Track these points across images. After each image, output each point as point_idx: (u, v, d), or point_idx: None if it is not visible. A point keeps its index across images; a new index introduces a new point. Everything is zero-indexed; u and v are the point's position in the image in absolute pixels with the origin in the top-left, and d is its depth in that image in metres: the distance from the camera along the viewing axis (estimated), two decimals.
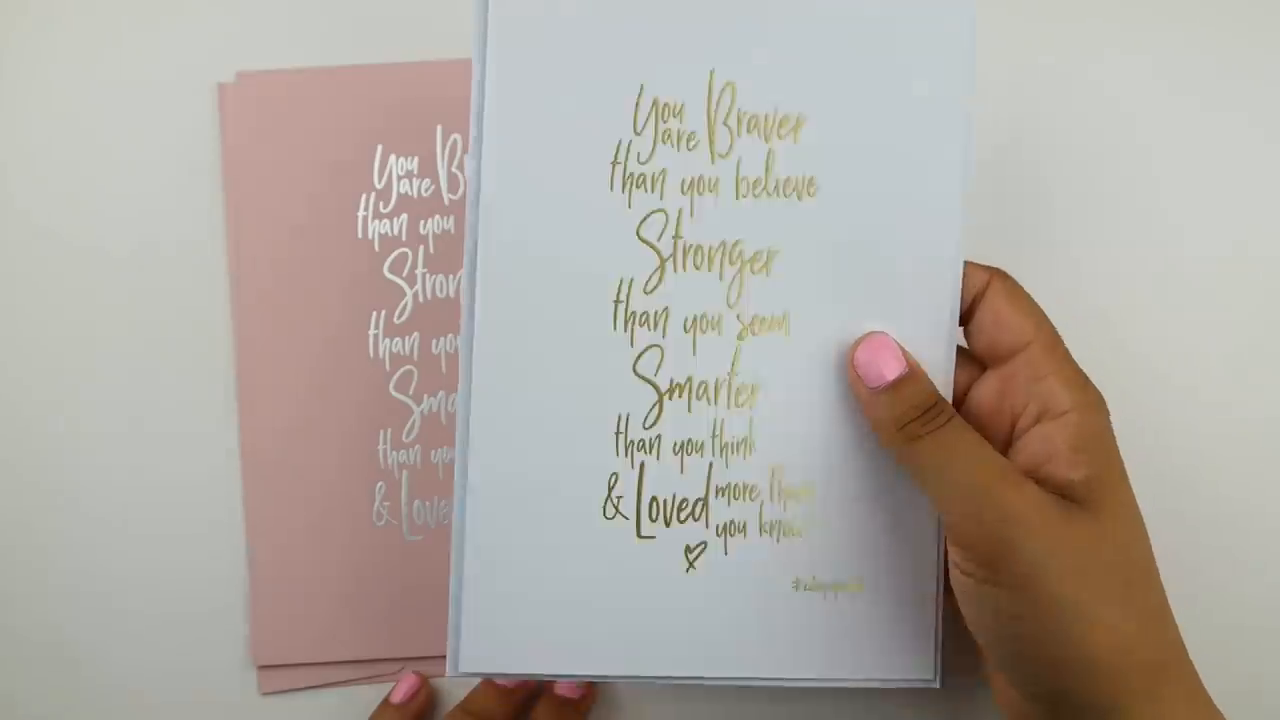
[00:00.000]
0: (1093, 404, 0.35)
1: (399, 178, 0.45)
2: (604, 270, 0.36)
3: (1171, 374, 0.45)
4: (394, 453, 0.44)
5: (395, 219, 0.45)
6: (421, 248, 0.45)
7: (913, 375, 0.35)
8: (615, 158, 0.36)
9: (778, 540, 0.37)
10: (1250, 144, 0.46)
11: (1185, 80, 0.46)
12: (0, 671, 0.44)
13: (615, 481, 0.36)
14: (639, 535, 0.37)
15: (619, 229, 0.36)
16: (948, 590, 0.37)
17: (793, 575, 0.37)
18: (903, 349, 0.35)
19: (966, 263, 0.36)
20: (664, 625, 0.37)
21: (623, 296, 0.36)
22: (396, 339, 0.44)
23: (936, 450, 0.34)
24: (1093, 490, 0.34)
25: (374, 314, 0.44)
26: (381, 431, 0.44)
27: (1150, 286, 0.45)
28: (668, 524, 0.37)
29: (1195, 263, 0.46)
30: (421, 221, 0.45)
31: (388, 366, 0.44)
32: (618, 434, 0.36)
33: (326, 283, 0.44)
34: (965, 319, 0.37)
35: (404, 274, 0.45)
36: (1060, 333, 0.36)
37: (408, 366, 0.44)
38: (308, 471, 0.44)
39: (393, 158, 0.45)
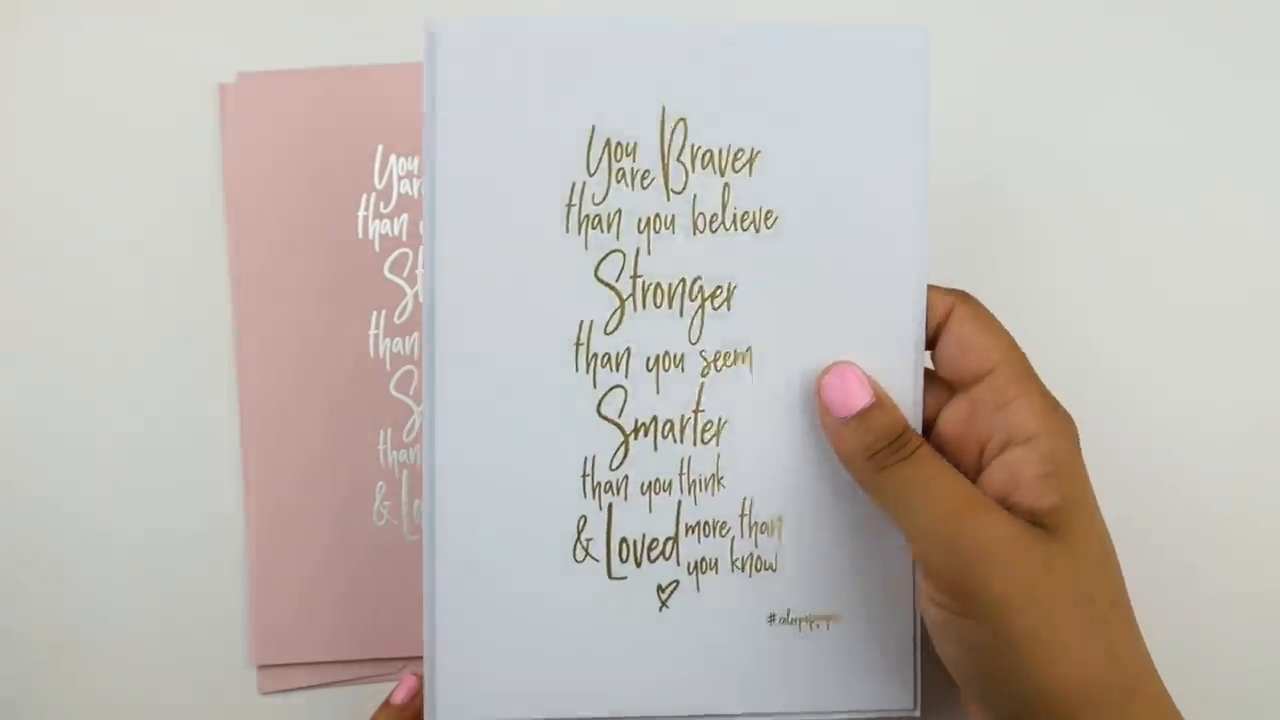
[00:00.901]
0: (1061, 428, 0.34)
1: (399, 178, 0.45)
2: (563, 313, 0.36)
3: (1140, 393, 0.45)
4: (394, 452, 0.44)
5: (395, 219, 0.45)
6: (422, 248, 0.45)
7: (880, 405, 0.35)
8: (569, 200, 0.35)
9: (750, 575, 0.37)
10: (1217, 167, 0.46)
11: (1151, 106, 0.47)
12: (0, 672, 0.44)
13: (584, 524, 0.36)
14: (610, 576, 0.36)
15: (576, 271, 0.36)
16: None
17: (767, 609, 0.37)
18: (869, 378, 0.35)
19: (930, 287, 0.36)
20: (640, 664, 0.37)
21: (583, 339, 0.36)
22: (397, 339, 0.44)
23: (905, 480, 0.34)
24: (1061, 517, 0.33)
25: (374, 314, 0.44)
26: (381, 431, 0.44)
27: (1117, 305, 0.46)
28: (639, 564, 0.36)
29: (1163, 282, 0.46)
30: (422, 221, 0.45)
31: (388, 366, 0.44)
32: (584, 476, 0.36)
33: (327, 283, 0.44)
34: (931, 343, 0.37)
35: (404, 274, 0.45)
36: (1027, 353, 0.36)
37: (408, 366, 0.44)
38: (308, 471, 0.44)
39: (393, 158, 0.45)
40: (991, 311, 0.36)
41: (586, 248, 0.36)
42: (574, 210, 0.35)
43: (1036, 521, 0.33)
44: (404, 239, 0.45)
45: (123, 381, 0.44)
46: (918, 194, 0.36)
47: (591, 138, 0.35)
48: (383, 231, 0.45)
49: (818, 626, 0.37)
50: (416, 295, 0.45)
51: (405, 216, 0.45)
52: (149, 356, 0.44)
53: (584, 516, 0.36)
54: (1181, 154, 0.46)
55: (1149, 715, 0.33)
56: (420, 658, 0.43)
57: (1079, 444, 0.35)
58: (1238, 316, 0.46)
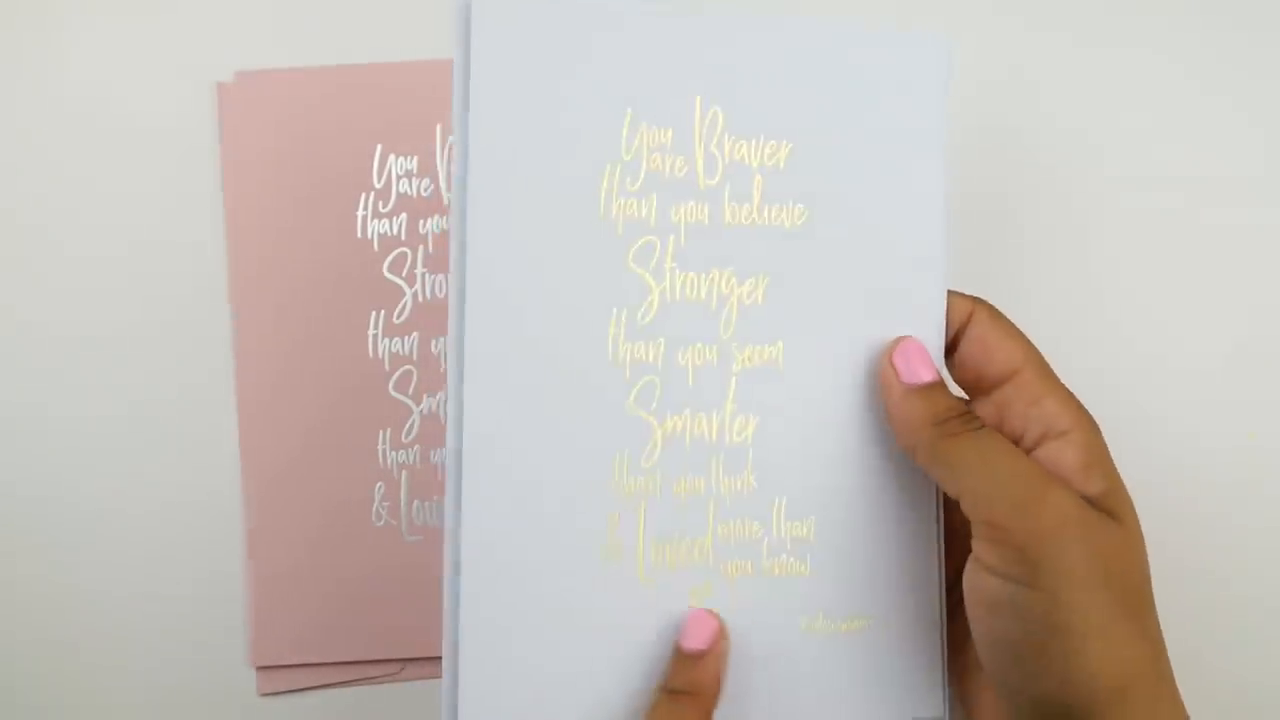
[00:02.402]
0: (1090, 423, 0.35)
1: (398, 177, 0.45)
2: (596, 300, 0.35)
3: (1142, 394, 0.45)
4: (393, 453, 0.44)
5: (394, 218, 0.45)
6: (421, 247, 0.45)
7: (943, 383, 0.35)
8: (604, 183, 0.35)
9: (782, 578, 0.36)
10: (1218, 168, 0.46)
11: (1156, 111, 0.47)
12: (0, 672, 0.44)
13: (616, 522, 0.35)
14: (642, 578, 0.35)
15: (610, 256, 0.35)
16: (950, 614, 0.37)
17: (800, 614, 0.36)
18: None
19: (950, 293, 0.36)
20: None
21: (617, 327, 0.35)
22: (396, 339, 0.44)
23: (979, 448, 0.33)
24: (1111, 502, 0.34)
25: (373, 314, 0.44)
26: (381, 431, 0.44)
27: (1119, 308, 0.46)
28: (671, 566, 0.35)
29: (1164, 283, 0.46)
30: (421, 221, 0.45)
31: (387, 366, 0.44)
32: (616, 472, 0.35)
33: (326, 282, 0.44)
34: (949, 350, 0.37)
35: (403, 274, 0.44)
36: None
37: (407, 366, 0.44)
38: (307, 471, 0.44)
39: (392, 157, 0.45)
40: (1008, 317, 0.36)
41: (620, 233, 0.35)
42: (608, 193, 0.35)
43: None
44: (403, 238, 0.45)
45: (121, 381, 0.44)
46: (936, 199, 0.36)
47: (628, 121, 0.35)
48: (382, 231, 0.45)
49: (849, 631, 0.36)
50: (415, 295, 0.45)
51: (404, 216, 0.45)
52: (148, 356, 0.44)
53: (616, 514, 0.35)
54: (1184, 155, 0.46)
55: (1172, 710, 0.33)
56: (420, 659, 0.44)
57: (1104, 439, 0.35)
58: (1237, 317, 0.46)
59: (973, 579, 0.34)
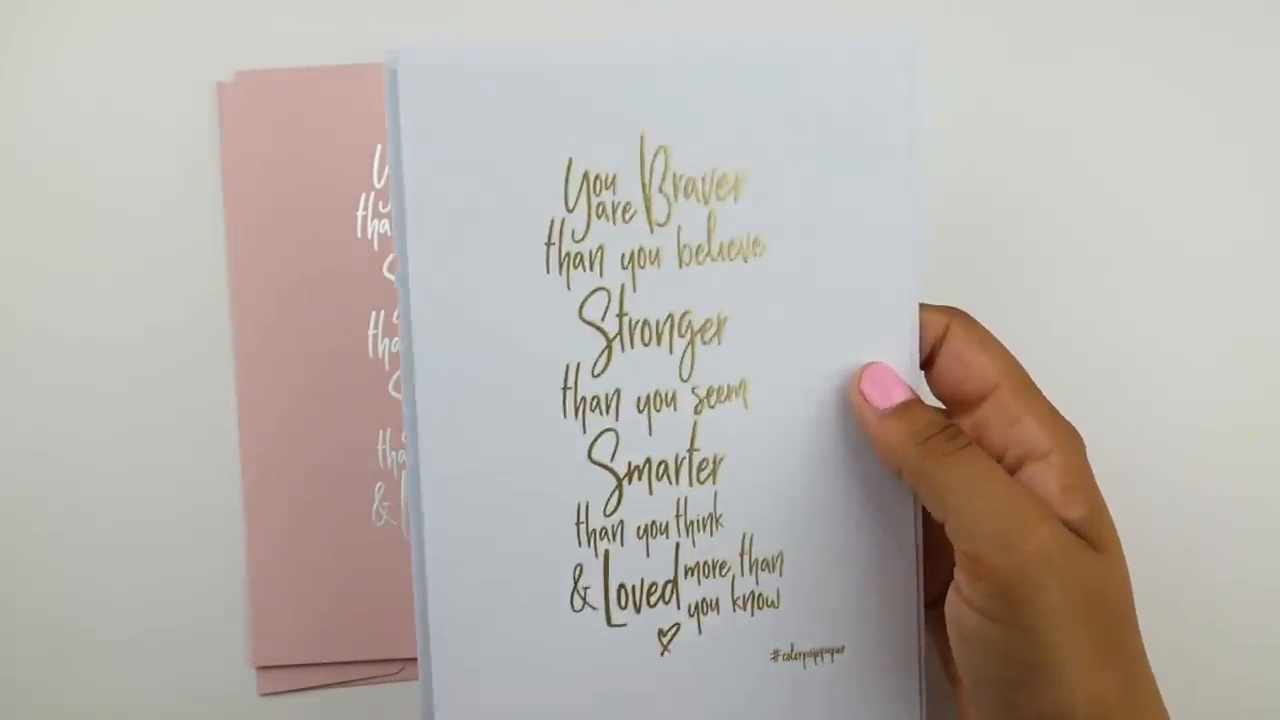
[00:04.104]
0: (1072, 441, 0.34)
1: None
2: (549, 357, 0.34)
3: (1139, 397, 0.45)
4: (393, 453, 0.44)
5: None
6: None
7: (918, 400, 0.34)
8: (549, 238, 0.33)
9: (752, 613, 0.36)
10: (1215, 169, 0.46)
11: (1149, 110, 0.47)
12: (0, 672, 0.44)
13: (580, 572, 0.35)
14: (610, 624, 0.35)
15: (560, 313, 0.34)
16: (929, 638, 0.37)
17: (770, 646, 0.36)
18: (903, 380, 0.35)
19: (923, 306, 0.35)
20: (643, 712, 0.35)
21: (570, 382, 0.34)
22: (395, 339, 0.44)
23: (962, 474, 0.33)
24: (1091, 528, 0.33)
25: (373, 314, 0.44)
26: (381, 431, 0.44)
27: (1114, 310, 0.46)
28: (638, 609, 0.35)
29: (1162, 284, 0.46)
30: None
31: (387, 366, 0.44)
32: (579, 524, 0.35)
33: (326, 282, 0.44)
34: (926, 365, 0.36)
35: None
36: (1026, 361, 0.35)
37: None
38: (307, 471, 0.44)
39: None
40: (987, 328, 0.35)
41: (569, 287, 0.34)
42: (554, 249, 0.34)
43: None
44: None
45: (121, 381, 0.44)
46: (912, 207, 0.35)
47: (569, 171, 0.33)
48: (381, 231, 0.45)
49: (822, 660, 0.36)
50: None
51: None
52: (147, 356, 0.44)
53: (580, 565, 0.35)
54: (1179, 156, 0.46)
55: None
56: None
57: (1087, 456, 0.34)
58: (1237, 318, 0.46)
59: (953, 609, 0.33)
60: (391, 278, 0.45)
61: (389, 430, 0.44)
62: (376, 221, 0.45)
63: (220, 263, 0.45)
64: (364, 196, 0.45)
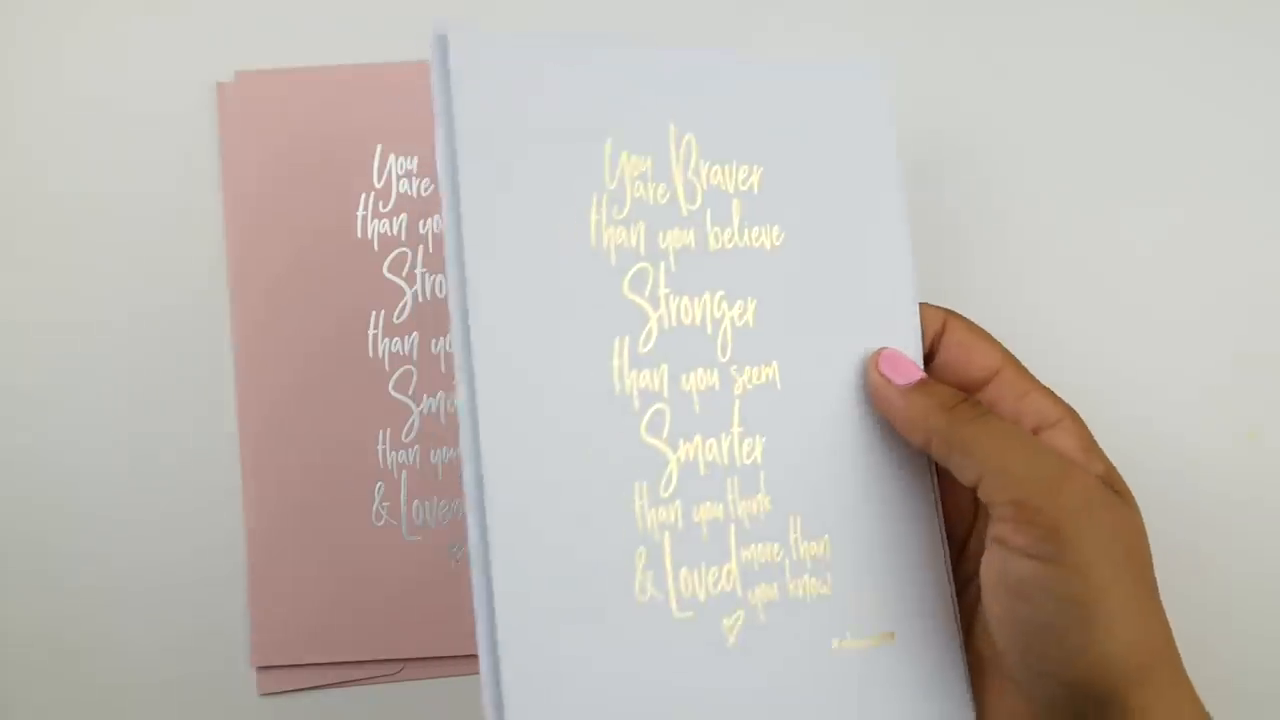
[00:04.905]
0: (1075, 413, 0.36)
1: (398, 177, 0.45)
2: (598, 331, 0.34)
3: (1137, 395, 0.46)
4: (393, 453, 0.44)
5: (394, 218, 0.45)
6: (421, 247, 0.45)
7: (933, 379, 0.36)
8: (593, 212, 0.34)
9: (807, 599, 0.35)
10: (1211, 168, 0.46)
11: (1142, 108, 0.47)
12: (0, 673, 0.44)
13: (643, 558, 0.34)
14: (676, 612, 0.34)
15: (606, 286, 0.34)
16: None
17: (829, 634, 0.35)
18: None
19: (922, 305, 0.37)
20: (711, 709, 0.34)
21: (620, 358, 0.34)
22: (395, 339, 0.44)
23: (997, 430, 0.34)
24: (1114, 484, 0.35)
25: (373, 314, 0.44)
26: (381, 431, 0.44)
27: (1110, 310, 0.46)
28: (700, 598, 0.34)
29: (1160, 283, 0.46)
30: (421, 221, 0.45)
31: (387, 366, 0.44)
32: (639, 506, 0.34)
33: (326, 282, 0.44)
34: (928, 359, 0.37)
35: (403, 274, 0.44)
36: (1021, 359, 0.37)
37: (407, 366, 0.44)
38: (307, 471, 0.44)
39: (392, 157, 0.45)
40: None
41: (614, 261, 0.34)
42: (598, 223, 0.34)
43: None
44: (403, 238, 0.45)
45: (121, 381, 0.44)
46: (899, 215, 0.37)
47: (608, 150, 0.34)
48: (382, 231, 0.45)
49: (876, 647, 0.36)
50: (415, 295, 0.45)
51: (404, 216, 0.45)
52: (147, 356, 0.44)
53: (643, 550, 0.34)
54: (1178, 157, 0.46)
55: (1189, 692, 0.33)
56: (420, 659, 0.44)
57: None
58: (1237, 319, 0.46)
59: (997, 564, 0.33)
60: (391, 278, 0.45)
61: (389, 430, 0.44)
62: (376, 221, 0.45)
63: (220, 262, 0.45)
64: (364, 196, 0.45)
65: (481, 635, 0.32)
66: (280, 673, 0.44)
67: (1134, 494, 0.35)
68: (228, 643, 0.44)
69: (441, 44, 0.33)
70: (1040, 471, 0.33)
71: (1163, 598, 0.34)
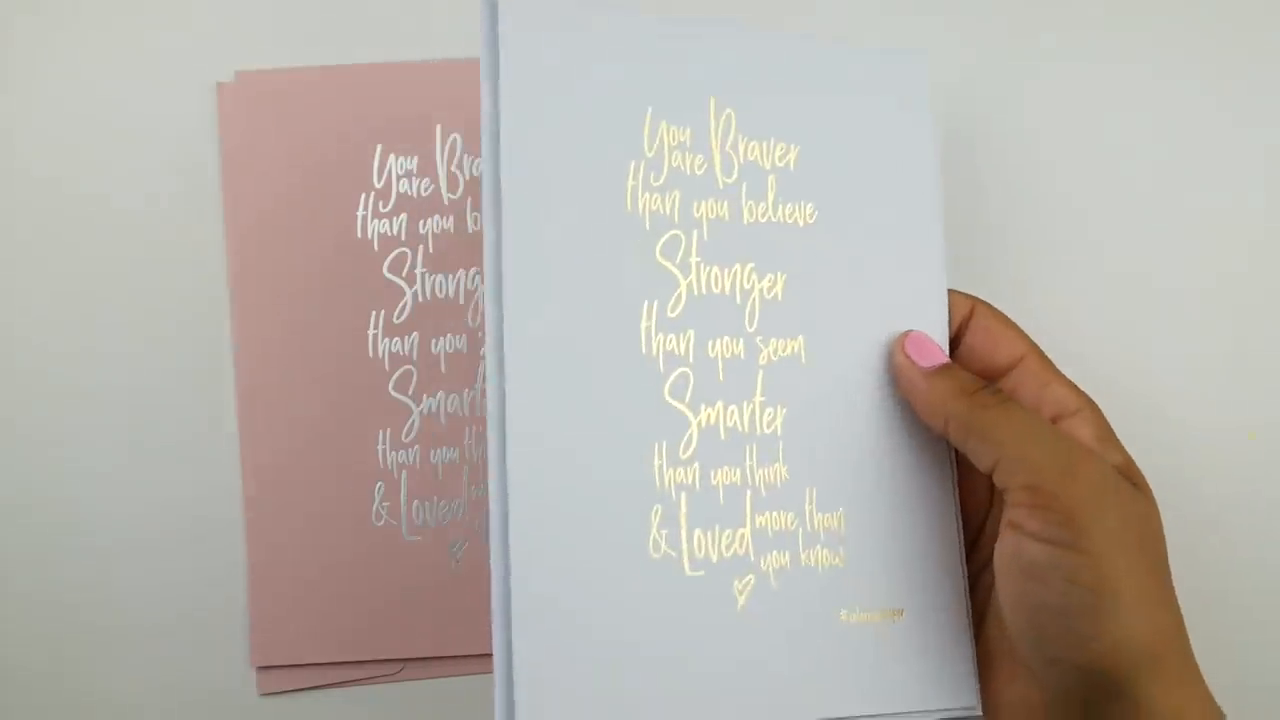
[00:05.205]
0: (1095, 404, 0.36)
1: (398, 177, 0.45)
2: (628, 293, 0.35)
3: (1140, 392, 0.46)
4: (393, 453, 0.44)
5: (394, 219, 0.45)
6: (421, 247, 0.45)
7: (958, 364, 0.36)
8: (630, 178, 0.35)
9: (820, 570, 0.36)
10: (1212, 167, 0.46)
11: (1149, 106, 0.47)
12: (0, 672, 0.44)
13: (659, 516, 0.35)
14: (687, 572, 0.35)
15: (639, 250, 0.35)
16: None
17: (839, 605, 0.36)
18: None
19: (950, 291, 0.38)
20: (718, 668, 0.35)
21: (649, 320, 0.35)
22: (396, 339, 0.44)
23: (1015, 416, 0.34)
24: (1131, 474, 0.35)
25: (373, 314, 0.44)
26: (381, 431, 0.44)
27: (1117, 306, 0.46)
28: (714, 559, 0.35)
29: (1161, 282, 0.46)
30: (421, 221, 0.45)
31: (387, 366, 0.44)
32: (657, 464, 0.35)
33: (326, 282, 0.44)
34: (954, 344, 0.38)
35: (403, 274, 0.44)
36: None
37: (407, 366, 0.44)
38: (307, 471, 0.44)
39: (392, 157, 0.45)
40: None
41: (648, 227, 0.35)
42: (634, 188, 0.35)
43: None
44: (403, 238, 0.45)
45: (121, 381, 0.44)
46: (933, 199, 0.38)
47: (648, 119, 0.35)
48: (381, 231, 0.45)
49: (885, 623, 0.36)
50: (415, 295, 0.45)
51: (404, 216, 0.45)
52: (147, 356, 0.44)
53: (658, 508, 0.35)
54: (1183, 156, 0.46)
55: (1198, 681, 0.33)
56: (420, 659, 0.44)
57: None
58: (1237, 316, 0.46)
59: (1013, 547, 0.33)
60: (391, 278, 0.45)
61: (389, 430, 0.44)
62: (376, 221, 0.45)
63: (220, 262, 0.45)
64: (364, 196, 0.45)
65: (496, 584, 0.33)
66: (280, 673, 0.44)
67: None
68: (228, 642, 0.44)
69: (491, 6, 0.34)
70: (1057, 458, 0.33)
71: None
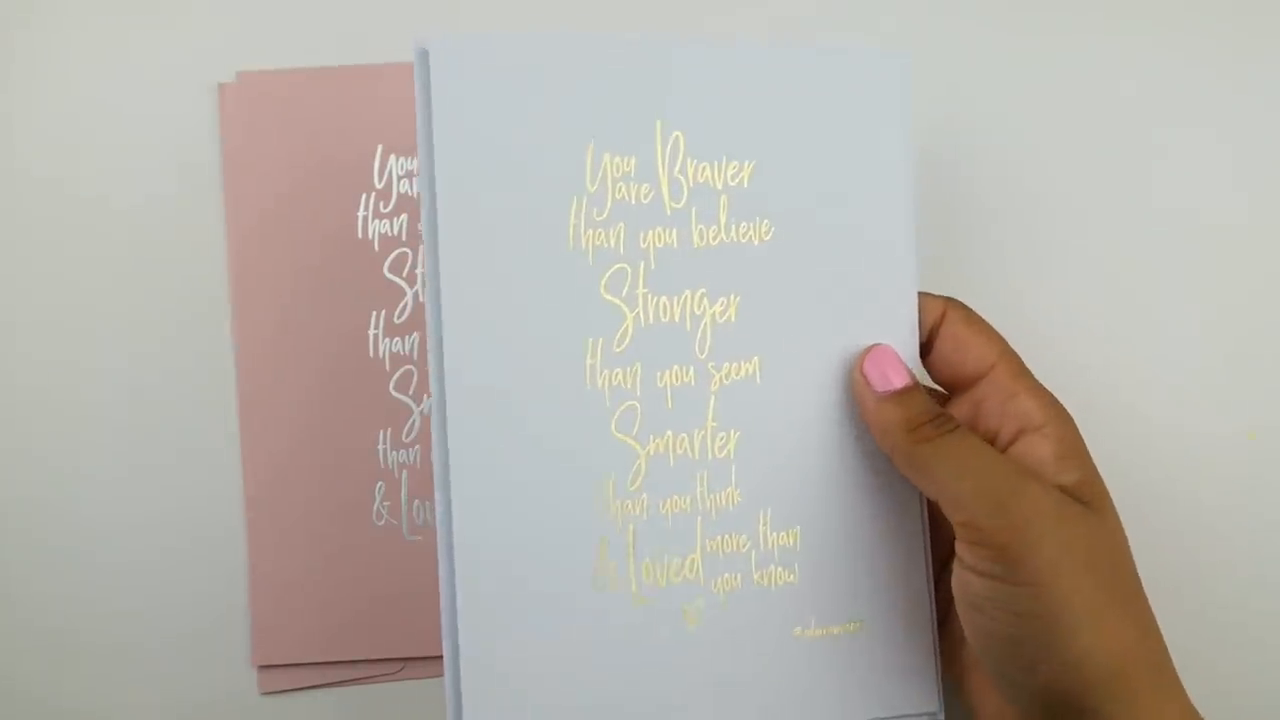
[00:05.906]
0: (1064, 415, 0.35)
1: (399, 177, 0.45)
2: (572, 331, 0.35)
3: (1137, 394, 0.45)
4: (394, 452, 0.44)
5: (395, 219, 0.45)
6: (421, 248, 0.45)
7: (917, 387, 0.35)
8: (572, 216, 0.35)
9: (772, 589, 0.36)
10: (1212, 167, 0.46)
11: (1146, 107, 0.47)
12: (0, 672, 0.44)
13: (605, 547, 0.35)
14: (635, 600, 0.35)
15: (583, 286, 0.35)
16: (941, 611, 0.37)
17: (792, 622, 0.36)
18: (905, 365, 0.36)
19: (920, 294, 0.37)
20: (669, 691, 0.35)
21: (594, 356, 0.35)
22: (396, 339, 0.44)
23: (951, 451, 0.34)
24: (1087, 492, 0.34)
25: (374, 314, 0.44)
26: (381, 431, 0.44)
27: (1112, 308, 0.46)
28: (661, 585, 0.35)
29: (1159, 282, 0.46)
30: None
31: (387, 366, 0.44)
32: (603, 498, 0.35)
33: (326, 283, 0.44)
34: (924, 350, 0.37)
35: (404, 274, 0.45)
36: (1021, 355, 0.37)
37: (407, 366, 0.44)
38: (308, 471, 0.44)
39: (393, 157, 0.45)
40: (980, 314, 0.37)
41: (592, 263, 0.35)
42: (576, 226, 0.35)
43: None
44: (403, 239, 0.45)
45: (121, 381, 0.44)
46: (905, 205, 0.37)
47: (590, 153, 0.35)
48: (382, 231, 0.45)
49: (840, 635, 0.36)
50: (416, 295, 0.45)
51: (405, 216, 0.45)
52: (147, 356, 0.44)
53: (605, 539, 0.35)
54: (1179, 154, 0.46)
55: (1174, 694, 0.33)
56: (420, 658, 0.44)
57: (1079, 431, 0.36)
58: (1237, 317, 0.46)
59: (958, 578, 0.34)
60: (392, 278, 0.45)
61: (389, 430, 0.44)
62: (377, 221, 0.45)
63: (221, 262, 0.45)
64: (364, 197, 0.45)
65: (445, 621, 0.34)
66: (280, 672, 0.44)
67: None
68: (228, 643, 0.44)
69: (423, 55, 0.34)
70: (987, 491, 0.33)
71: (1160, 599, 0.34)
